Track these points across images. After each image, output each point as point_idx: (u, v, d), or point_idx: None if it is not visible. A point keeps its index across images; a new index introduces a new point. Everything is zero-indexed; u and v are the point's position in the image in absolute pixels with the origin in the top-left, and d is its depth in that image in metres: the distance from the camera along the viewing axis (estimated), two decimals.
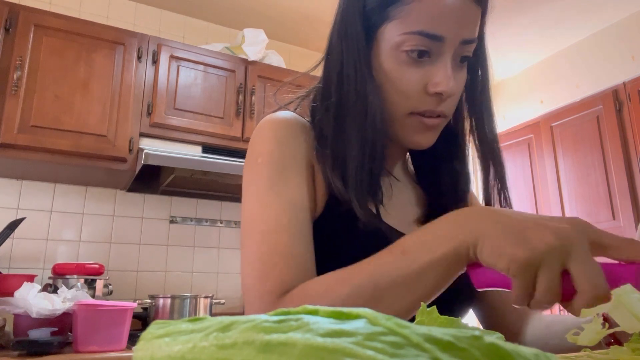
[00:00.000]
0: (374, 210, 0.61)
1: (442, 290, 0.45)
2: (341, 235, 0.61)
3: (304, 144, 0.63)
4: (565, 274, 0.37)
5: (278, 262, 0.54)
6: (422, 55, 0.59)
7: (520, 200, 2.94)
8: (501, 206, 0.66)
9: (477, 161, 0.69)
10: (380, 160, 0.61)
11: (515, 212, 0.42)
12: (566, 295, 0.38)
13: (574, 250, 0.37)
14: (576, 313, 0.37)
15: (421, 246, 0.45)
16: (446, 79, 0.58)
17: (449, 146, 0.70)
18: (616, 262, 0.39)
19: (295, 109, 0.71)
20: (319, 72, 0.72)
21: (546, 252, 0.37)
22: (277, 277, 0.53)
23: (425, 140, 0.63)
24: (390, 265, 0.46)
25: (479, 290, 0.43)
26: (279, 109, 0.70)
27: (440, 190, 0.71)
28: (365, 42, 0.62)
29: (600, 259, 0.38)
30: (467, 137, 0.70)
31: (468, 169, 0.72)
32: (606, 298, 0.37)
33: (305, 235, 0.57)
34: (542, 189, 2.85)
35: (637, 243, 0.38)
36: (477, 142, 0.68)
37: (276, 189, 0.58)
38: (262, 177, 0.60)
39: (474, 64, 0.65)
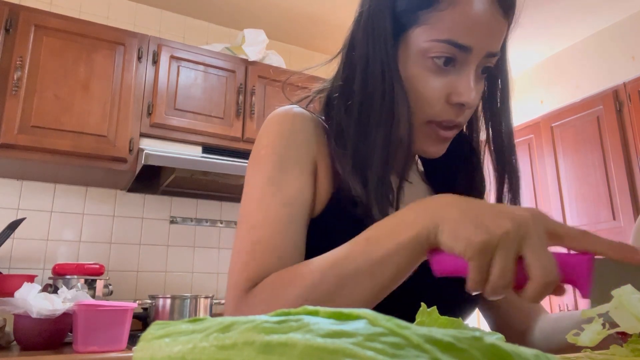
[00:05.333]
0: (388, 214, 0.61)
1: (405, 277, 0.45)
2: (347, 235, 0.60)
3: (310, 138, 0.63)
4: (521, 261, 0.38)
5: (260, 254, 0.54)
6: (448, 63, 0.58)
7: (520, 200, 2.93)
8: None
9: (492, 171, 0.68)
10: (405, 165, 0.62)
11: (478, 201, 0.43)
12: (520, 283, 0.39)
13: (530, 236, 0.38)
14: (528, 299, 0.38)
15: (385, 233, 0.45)
16: (469, 90, 0.58)
17: (462, 152, 0.70)
18: (571, 252, 0.40)
19: (308, 105, 0.69)
20: (318, 72, 0.71)
21: (502, 236, 0.38)
22: (255, 268, 0.53)
23: (437, 151, 0.64)
24: (354, 253, 0.46)
25: (438, 277, 0.44)
26: (291, 104, 0.68)
27: (455, 192, 0.71)
28: (392, 43, 0.61)
29: (557, 249, 0.39)
30: (483, 145, 0.69)
31: (483, 173, 0.71)
32: (557, 287, 0.38)
33: (296, 231, 0.57)
34: (542, 189, 2.85)
35: (591, 234, 0.39)
36: (494, 153, 0.67)
37: (274, 183, 0.58)
38: (263, 170, 0.59)
39: (495, 75, 0.65)
